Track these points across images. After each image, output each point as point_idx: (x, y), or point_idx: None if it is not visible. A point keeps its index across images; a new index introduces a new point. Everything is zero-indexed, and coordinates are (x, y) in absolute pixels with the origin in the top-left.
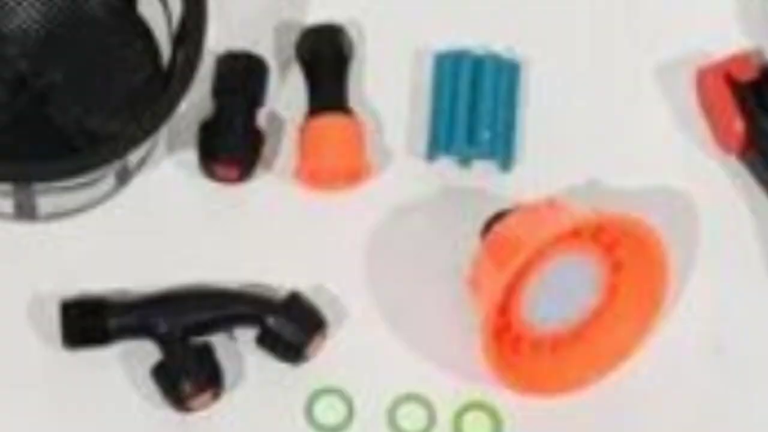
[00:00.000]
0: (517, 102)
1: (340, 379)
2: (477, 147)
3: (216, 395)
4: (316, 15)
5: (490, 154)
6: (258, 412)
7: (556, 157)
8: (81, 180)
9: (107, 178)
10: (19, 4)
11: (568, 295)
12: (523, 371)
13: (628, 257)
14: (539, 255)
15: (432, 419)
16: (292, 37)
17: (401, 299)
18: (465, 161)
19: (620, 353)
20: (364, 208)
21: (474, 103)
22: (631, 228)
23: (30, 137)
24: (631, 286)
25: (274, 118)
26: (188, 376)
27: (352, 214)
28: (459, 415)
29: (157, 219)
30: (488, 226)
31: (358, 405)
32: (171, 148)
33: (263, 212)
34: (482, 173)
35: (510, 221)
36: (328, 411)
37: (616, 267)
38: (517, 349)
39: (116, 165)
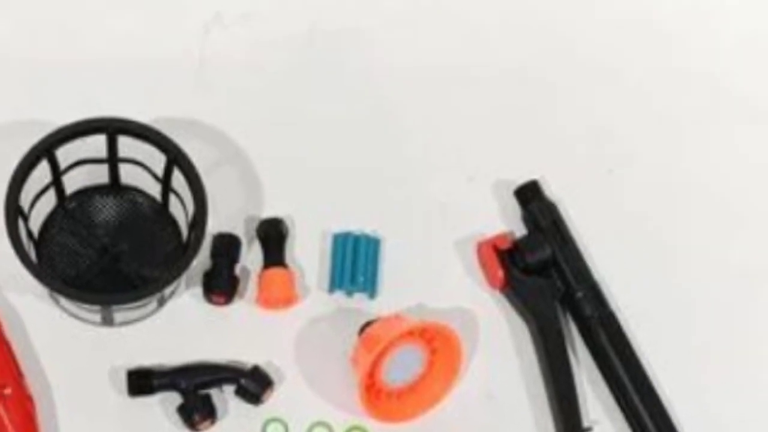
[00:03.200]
0: (378, 260)
1: (281, 413)
2: (356, 285)
3: (213, 422)
4: (267, 212)
5: (363, 289)
6: (236, 431)
7: (399, 290)
8: (137, 303)
9: (152, 302)
10: (104, 206)
11: (406, 366)
12: (381, 409)
13: (440, 345)
14: (390, 344)
15: None
16: (254, 225)
17: (314, 369)
18: (349, 293)
19: (435, 399)
20: (294, 319)
21: (354, 261)
22: (441, 330)
23: (110, 281)
24: (441, 362)
25: (244, 270)
26: (197, 411)
27: (287, 322)
28: None
29: (179, 325)
30: (362, 329)
31: (291, 427)
32: (188, 286)
33: (238, 322)
34: (359, 300)
35: (374, 326)
36: (275, 430)
37: (433, 351)
38: (378, 396)
39: (157, 295)
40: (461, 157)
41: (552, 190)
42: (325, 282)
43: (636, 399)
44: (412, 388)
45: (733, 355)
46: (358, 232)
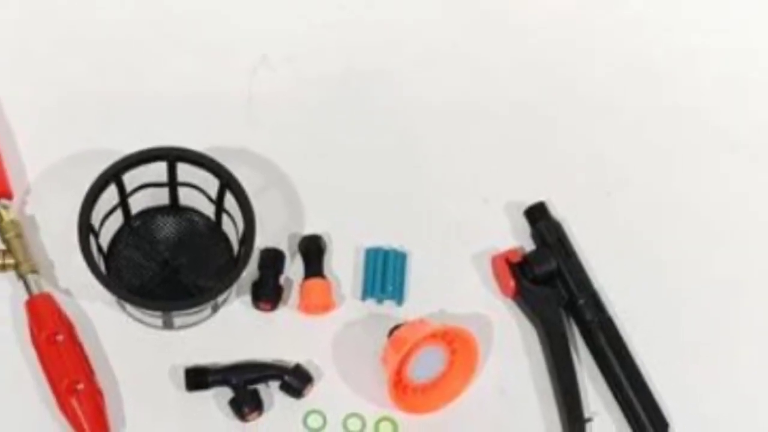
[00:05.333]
0: (405, 272)
1: (320, 405)
2: (385, 293)
3: (260, 414)
4: (308, 230)
5: (392, 297)
6: (280, 421)
7: (423, 298)
8: (194, 310)
9: (207, 309)
10: (165, 224)
11: (429, 365)
12: (408, 402)
13: (459, 346)
14: (415, 346)
15: (364, 425)
16: (296, 240)
17: (349, 367)
18: (380, 300)
19: (455, 394)
20: (331, 323)
21: (384, 272)
22: (460, 333)
23: (170, 290)
24: (460, 361)
25: (288, 280)
26: (246, 404)
27: (325, 326)
28: (377, 423)
29: (230, 329)
30: (391, 332)
31: (329, 418)
32: (238, 294)
33: (282, 326)
34: (388, 306)
35: (401, 329)
36: (314, 421)
37: (453, 351)
38: (405, 391)
39: (211, 302)
40: (477, 182)
41: (557, 211)
42: (358, 291)
43: (630, 393)
44: (435, 384)
45: (716, 354)
46: (387, 247)
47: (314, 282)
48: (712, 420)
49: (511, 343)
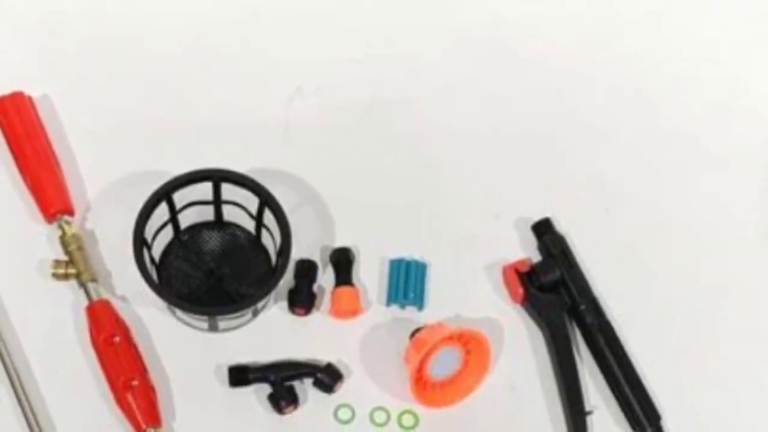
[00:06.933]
0: (425, 280)
1: (349, 400)
2: (407, 300)
3: (296, 407)
4: (338, 242)
5: (413, 303)
6: (314, 414)
7: (441, 304)
8: (237, 315)
9: (248, 314)
10: (211, 238)
11: (447, 364)
12: (427, 397)
13: (473, 347)
14: (434, 346)
15: (388, 417)
16: (328, 252)
17: (375, 366)
18: (402, 306)
19: (469, 390)
20: (359, 327)
21: (406, 281)
22: (474, 335)
23: (215, 297)
24: (474, 360)
25: (320, 288)
26: (283, 399)
27: (354, 329)
28: (400, 416)
29: (269, 332)
30: (412, 334)
31: (357, 411)
32: (276, 300)
33: (315, 329)
34: (410, 311)
35: (422, 332)
36: (344, 414)
37: (468, 352)
38: (425, 387)
39: (252, 308)
40: (489, 199)
41: (561, 225)
42: (384, 297)
43: (626, 388)
44: (452, 381)
45: (703, 353)
46: (409, 258)
47: (344, 290)
48: (700, 412)
49: (519, 345)
